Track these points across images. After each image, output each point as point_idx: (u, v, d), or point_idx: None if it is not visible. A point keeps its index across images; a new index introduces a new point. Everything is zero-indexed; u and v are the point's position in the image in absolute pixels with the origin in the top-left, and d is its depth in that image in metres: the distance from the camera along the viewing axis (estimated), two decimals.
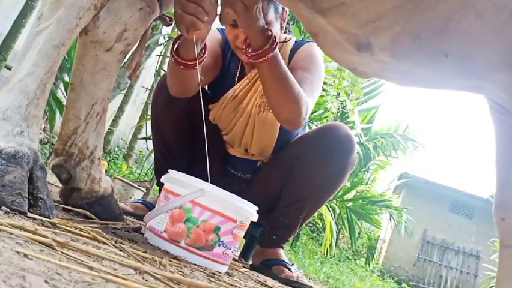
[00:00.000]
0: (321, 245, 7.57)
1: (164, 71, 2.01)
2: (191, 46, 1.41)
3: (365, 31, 0.99)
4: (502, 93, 1.02)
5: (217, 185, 1.17)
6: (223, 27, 1.76)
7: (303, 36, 3.95)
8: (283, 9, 1.78)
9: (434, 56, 0.98)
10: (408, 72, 1.09)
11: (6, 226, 0.68)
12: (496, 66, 0.95)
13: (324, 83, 4.02)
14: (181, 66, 1.47)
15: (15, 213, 0.81)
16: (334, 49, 1.14)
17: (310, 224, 8.82)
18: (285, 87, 1.53)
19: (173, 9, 1.31)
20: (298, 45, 1.86)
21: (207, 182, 1.17)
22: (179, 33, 1.40)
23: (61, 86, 3.17)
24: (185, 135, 1.89)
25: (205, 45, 1.46)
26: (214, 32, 1.88)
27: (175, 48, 1.46)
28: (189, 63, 1.45)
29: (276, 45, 1.45)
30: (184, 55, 1.44)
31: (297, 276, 1.74)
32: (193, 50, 1.42)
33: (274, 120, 1.74)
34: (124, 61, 1.37)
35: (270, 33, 1.43)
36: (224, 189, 1.18)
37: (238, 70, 1.85)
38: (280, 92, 1.54)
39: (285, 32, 1.91)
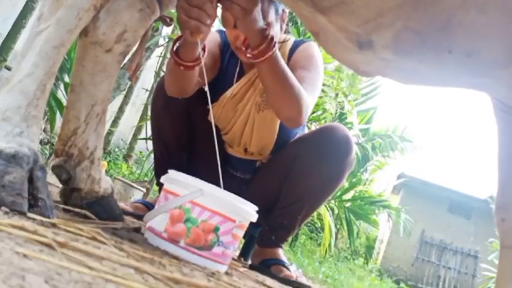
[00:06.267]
0: (319, 244, 7.58)
1: (164, 72, 2.02)
2: (192, 48, 1.42)
3: (367, 29, 0.98)
4: (506, 90, 1.01)
5: (216, 185, 1.17)
6: (223, 28, 1.77)
7: (302, 37, 3.96)
8: (283, 10, 1.79)
9: (437, 53, 0.97)
10: (411, 69, 1.08)
11: (6, 226, 0.68)
12: (501, 63, 0.94)
13: (323, 84, 4.03)
14: (181, 67, 1.48)
15: (15, 214, 0.81)
16: (335, 48, 1.14)
17: (309, 224, 8.82)
18: (285, 86, 1.53)
19: (177, 14, 1.31)
20: (297, 45, 1.87)
21: (207, 182, 1.17)
22: (179, 34, 1.41)
23: (61, 86, 3.17)
24: (184, 136, 1.89)
25: (204, 46, 1.47)
26: (213, 33, 1.88)
27: (174, 49, 1.47)
28: (189, 64, 1.47)
29: (275, 44, 1.46)
30: (185, 57, 1.45)
31: (296, 276, 1.74)
32: (194, 52, 1.43)
33: (274, 118, 1.75)
34: (124, 62, 1.37)
35: (268, 33, 1.44)
36: (223, 189, 1.18)
37: (237, 71, 1.86)
38: (280, 91, 1.55)
39: (284, 33, 1.92)
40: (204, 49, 1.47)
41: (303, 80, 1.66)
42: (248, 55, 1.48)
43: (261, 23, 1.41)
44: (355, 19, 0.98)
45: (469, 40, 0.93)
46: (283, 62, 1.52)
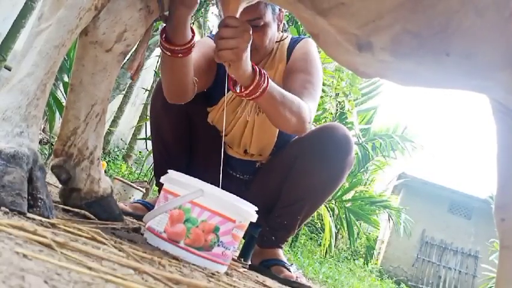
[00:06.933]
0: (320, 245, 7.58)
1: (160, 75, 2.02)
2: (183, 30, 1.40)
3: (366, 31, 0.99)
4: (504, 92, 1.02)
5: (216, 186, 1.17)
6: None
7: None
8: (280, 9, 1.80)
9: (435, 55, 0.97)
10: (410, 71, 1.08)
11: (6, 226, 0.67)
12: (498, 65, 0.94)
13: (323, 84, 4.03)
14: (180, 55, 1.45)
15: (14, 214, 0.81)
16: (335, 50, 1.14)
17: (310, 225, 8.83)
18: (285, 108, 1.54)
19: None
20: (294, 42, 1.87)
21: (206, 182, 1.17)
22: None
23: (61, 86, 3.17)
24: (184, 136, 1.89)
25: (192, 29, 1.45)
26: (207, 39, 1.89)
27: (164, 39, 1.44)
28: (183, 47, 1.43)
29: (266, 77, 1.45)
30: (177, 41, 1.42)
31: (296, 277, 1.74)
32: (185, 33, 1.41)
33: None
34: (124, 62, 1.37)
35: (255, 69, 1.43)
36: (223, 190, 1.18)
37: None
38: (282, 114, 1.55)
39: (282, 32, 1.92)
40: (193, 32, 1.46)
41: (305, 86, 1.67)
42: (243, 94, 1.46)
43: (249, 67, 1.41)
44: (354, 21, 0.98)
45: (466, 43, 0.93)
46: (277, 87, 1.51)
